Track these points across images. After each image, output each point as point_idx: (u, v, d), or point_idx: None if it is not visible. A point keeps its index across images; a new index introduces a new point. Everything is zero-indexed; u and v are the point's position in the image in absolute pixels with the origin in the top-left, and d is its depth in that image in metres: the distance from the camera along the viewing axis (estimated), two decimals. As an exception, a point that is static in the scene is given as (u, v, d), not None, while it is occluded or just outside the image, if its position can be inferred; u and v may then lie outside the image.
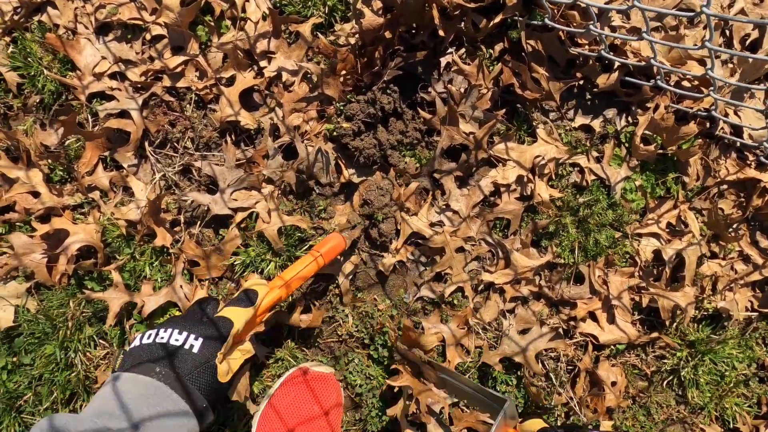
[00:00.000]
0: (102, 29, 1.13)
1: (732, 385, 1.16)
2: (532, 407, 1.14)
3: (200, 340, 0.80)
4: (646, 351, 1.17)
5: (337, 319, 1.15)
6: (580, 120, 1.17)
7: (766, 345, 1.19)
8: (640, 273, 1.15)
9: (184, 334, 0.80)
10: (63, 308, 1.08)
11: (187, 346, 0.79)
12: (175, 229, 1.12)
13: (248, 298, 0.88)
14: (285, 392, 1.07)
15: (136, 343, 0.81)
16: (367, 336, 1.14)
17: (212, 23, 1.10)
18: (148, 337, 0.80)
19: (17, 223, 1.11)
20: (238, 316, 0.84)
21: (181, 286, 1.09)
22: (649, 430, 1.17)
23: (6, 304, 1.08)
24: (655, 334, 1.15)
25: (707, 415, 1.18)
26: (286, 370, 1.11)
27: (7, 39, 1.14)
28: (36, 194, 1.09)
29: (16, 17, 1.12)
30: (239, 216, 1.11)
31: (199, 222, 1.12)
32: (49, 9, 1.12)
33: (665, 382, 1.17)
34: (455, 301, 1.14)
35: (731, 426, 1.17)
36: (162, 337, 0.79)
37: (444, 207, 1.15)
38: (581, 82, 1.15)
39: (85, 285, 1.09)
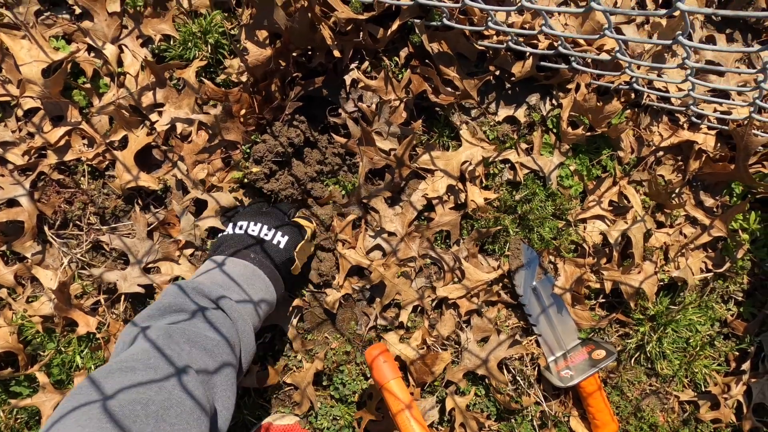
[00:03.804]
0: (-33, 113, 1.01)
1: (698, 348, 1.15)
2: (505, 413, 1.11)
3: (286, 237, 0.95)
4: (608, 332, 1.15)
5: (290, 366, 1.09)
6: (504, 112, 1.10)
7: (725, 302, 1.18)
8: (592, 258, 1.12)
9: (273, 230, 0.94)
10: (-5, 420, 1.00)
11: (275, 241, 0.93)
12: (99, 310, 1.04)
13: (309, 219, 1.07)
14: (250, 454, 1.03)
15: (229, 231, 0.95)
16: (324, 377, 1.10)
17: (88, 85, 1.00)
18: (240, 228, 0.94)
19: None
20: (308, 226, 1.02)
21: (117, 370, 1.02)
22: (625, 408, 1.17)
23: (-68, 428, 1.01)
24: (612, 315, 1.13)
25: (678, 382, 1.17)
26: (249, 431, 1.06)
27: None
28: (-63, 305, 1.00)
29: None
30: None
31: (123, 299, 1.04)
32: None
33: (633, 360, 1.16)
34: (409, 323, 1.10)
35: (703, 389, 1.17)
36: (253, 231, 0.93)
37: (379, 230, 1.09)
38: (497, 74, 1.08)
39: (11, 391, 1.01)
